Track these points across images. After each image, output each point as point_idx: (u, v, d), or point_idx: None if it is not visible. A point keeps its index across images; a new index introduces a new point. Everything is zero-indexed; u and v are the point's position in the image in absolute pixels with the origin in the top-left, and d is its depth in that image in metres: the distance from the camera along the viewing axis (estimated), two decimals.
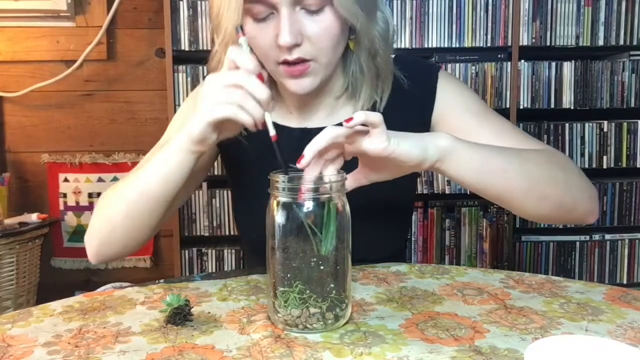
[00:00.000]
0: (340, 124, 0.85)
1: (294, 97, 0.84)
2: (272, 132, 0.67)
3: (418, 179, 1.96)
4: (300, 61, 0.75)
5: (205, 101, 0.68)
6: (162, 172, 0.74)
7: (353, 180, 0.68)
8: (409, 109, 0.85)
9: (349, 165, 0.67)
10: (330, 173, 0.64)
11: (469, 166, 0.68)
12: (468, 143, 0.69)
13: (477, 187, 0.71)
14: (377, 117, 0.61)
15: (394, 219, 0.93)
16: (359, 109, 0.85)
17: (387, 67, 0.84)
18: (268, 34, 0.74)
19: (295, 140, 0.86)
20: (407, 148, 0.63)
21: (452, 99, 0.86)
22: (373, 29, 0.79)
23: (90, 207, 2.22)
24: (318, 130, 0.87)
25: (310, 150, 0.60)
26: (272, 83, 0.86)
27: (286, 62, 0.75)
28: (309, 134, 0.87)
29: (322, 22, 0.74)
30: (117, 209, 0.78)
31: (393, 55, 0.88)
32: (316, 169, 0.63)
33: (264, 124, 0.68)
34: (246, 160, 0.80)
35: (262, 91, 0.66)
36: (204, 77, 1.01)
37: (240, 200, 0.97)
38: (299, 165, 0.60)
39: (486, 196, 0.73)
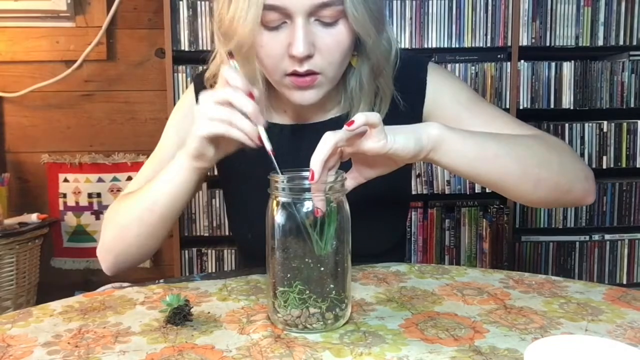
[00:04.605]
0: (331, 121, 0.86)
1: (290, 102, 0.85)
2: (268, 146, 0.67)
3: (418, 179, 1.98)
4: (309, 73, 0.75)
5: (197, 118, 0.70)
6: (168, 190, 0.77)
7: (351, 180, 0.68)
8: (402, 116, 0.85)
9: (340, 165, 0.67)
10: (330, 175, 0.64)
11: (462, 153, 0.69)
12: (459, 131, 0.70)
13: (471, 174, 0.71)
14: (376, 117, 0.61)
15: (391, 213, 0.93)
16: None
17: (388, 87, 0.84)
18: (279, 43, 0.73)
19: (289, 136, 0.86)
20: (403, 143, 0.63)
21: (442, 91, 0.87)
22: (380, 47, 0.80)
23: (89, 207, 2.22)
24: (311, 125, 0.88)
25: (317, 163, 0.59)
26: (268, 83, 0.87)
27: (295, 74, 0.75)
28: (301, 129, 0.88)
29: (335, 36, 0.74)
30: (129, 226, 0.81)
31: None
32: (323, 179, 0.62)
33: (260, 139, 0.68)
34: (238, 156, 0.80)
35: (250, 105, 0.67)
36: (193, 78, 1.02)
37: (234, 200, 0.97)
38: (311, 183, 0.58)
39: (481, 183, 0.74)
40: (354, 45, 0.78)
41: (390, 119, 0.84)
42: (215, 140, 0.72)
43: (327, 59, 0.75)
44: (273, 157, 0.66)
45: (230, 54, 0.73)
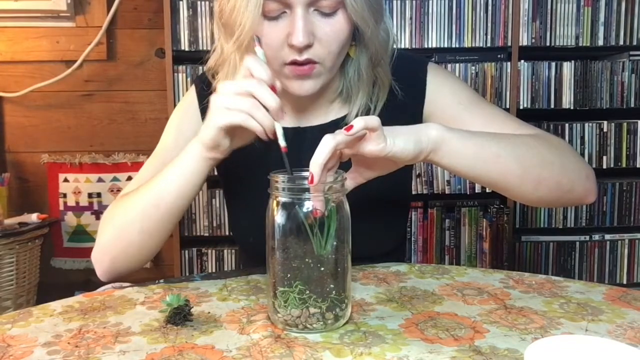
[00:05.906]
0: (331, 124, 0.86)
1: (291, 98, 0.84)
2: (282, 143, 0.67)
3: (418, 179, 1.98)
4: (308, 62, 0.75)
5: (216, 107, 0.69)
6: (177, 182, 0.75)
7: (350, 180, 0.68)
8: (400, 106, 0.86)
9: (340, 164, 0.67)
10: (330, 175, 0.64)
11: (462, 154, 0.68)
12: (459, 131, 0.70)
13: (472, 174, 0.71)
14: (375, 121, 0.61)
15: (391, 214, 0.93)
16: (353, 114, 0.85)
17: (386, 76, 0.85)
18: (279, 32, 0.73)
19: (290, 139, 0.85)
20: (403, 145, 0.63)
21: (442, 91, 0.87)
22: (378, 37, 0.80)
23: (90, 207, 2.22)
24: (311, 129, 0.88)
25: (316, 166, 0.59)
26: None
27: (294, 63, 0.75)
28: (302, 132, 0.88)
29: (334, 25, 0.74)
30: (131, 224, 0.78)
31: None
32: (322, 180, 0.61)
33: (275, 134, 0.68)
34: (240, 160, 0.80)
35: (273, 101, 0.66)
36: (194, 79, 1.01)
37: (234, 203, 0.97)
38: (311, 186, 0.58)
39: (482, 183, 0.74)
40: (353, 35, 0.78)
41: (389, 109, 0.85)
42: (232, 131, 0.71)
43: (326, 48, 0.75)
44: (285, 156, 0.66)
45: (257, 40, 0.71)
